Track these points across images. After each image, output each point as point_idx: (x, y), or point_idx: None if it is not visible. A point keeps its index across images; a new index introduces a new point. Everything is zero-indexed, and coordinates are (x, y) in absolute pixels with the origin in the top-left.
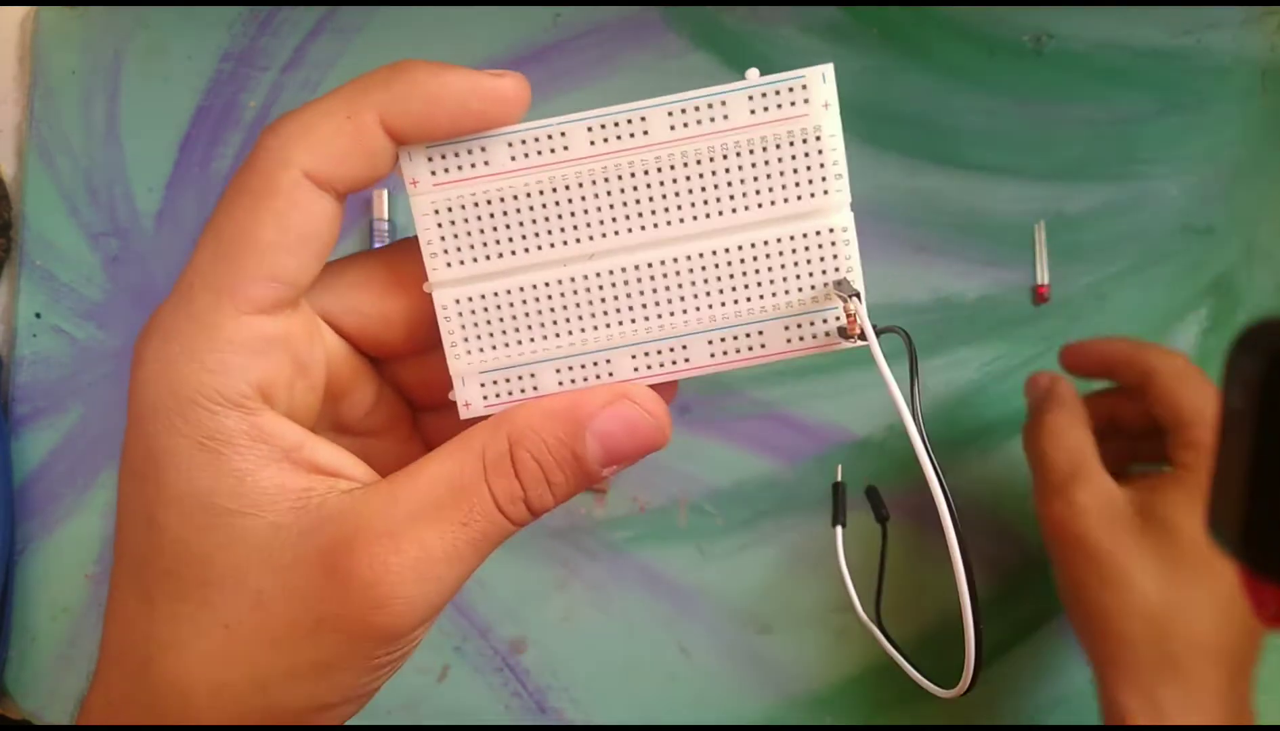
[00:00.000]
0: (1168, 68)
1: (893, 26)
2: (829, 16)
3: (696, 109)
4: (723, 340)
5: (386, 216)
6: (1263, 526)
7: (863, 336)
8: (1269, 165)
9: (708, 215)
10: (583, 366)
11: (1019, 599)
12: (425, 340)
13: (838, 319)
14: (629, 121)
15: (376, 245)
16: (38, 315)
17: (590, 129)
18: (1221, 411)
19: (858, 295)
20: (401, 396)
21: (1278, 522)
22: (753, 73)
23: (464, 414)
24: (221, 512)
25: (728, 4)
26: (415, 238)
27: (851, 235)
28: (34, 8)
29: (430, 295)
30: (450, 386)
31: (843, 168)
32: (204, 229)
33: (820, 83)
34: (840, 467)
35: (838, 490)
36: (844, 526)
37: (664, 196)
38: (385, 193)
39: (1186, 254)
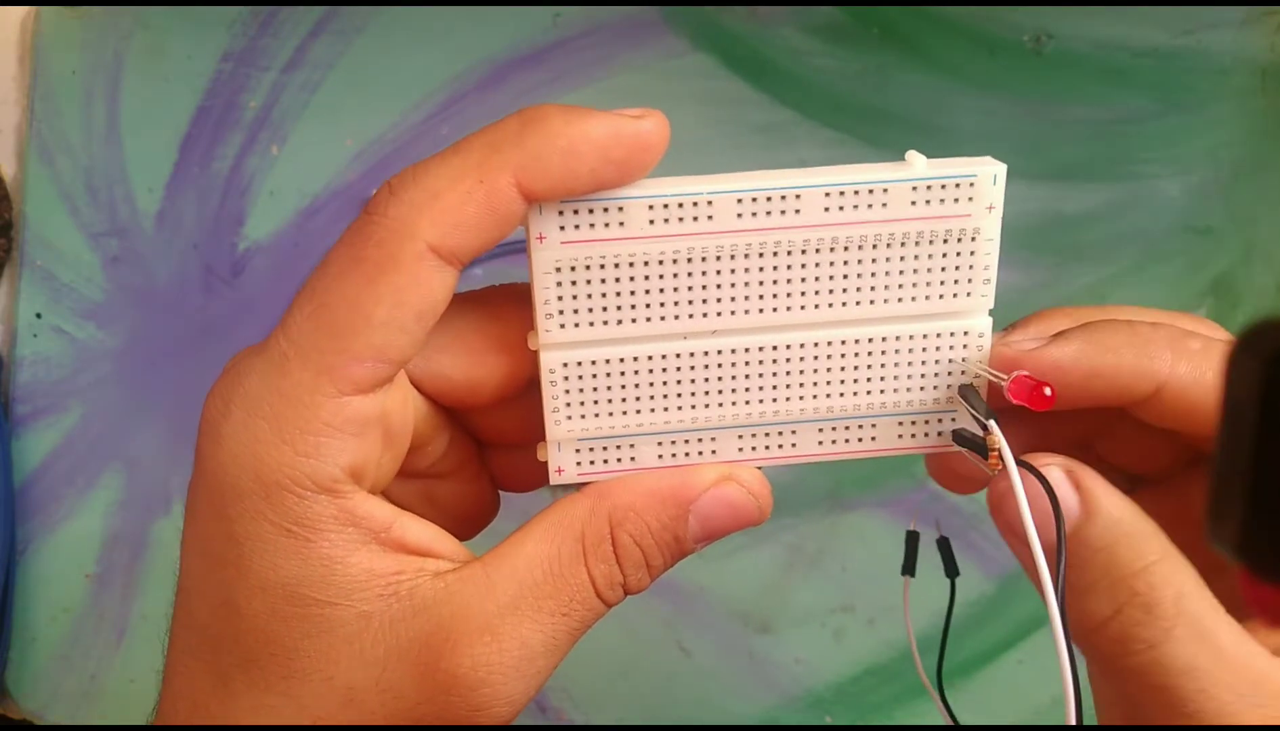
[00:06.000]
0: (1168, 68)
1: (893, 26)
2: (829, 16)
3: (856, 193)
4: (834, 430)
5: None
6: (1263, 526)
7: (989, 462)
8: (1269, 165)
9: (844, 304)
10: (686, 442)
11: (1019, 599)
12: (511, 396)
13: (954, 421)
14: (783, 198)
15: None
16: (38, 315)
17: (740, 201)
18: (1221, 411)
19: (995, 418)
20: (468, 434)
21: (1278, 523)
22: (916, 157)
23: (555, 480)
24: (309, 603)
25: (728, 4)
26: (505, 289)
27: (988, 341)
28: (34, 8)
29: (531, 354)
30: (537, 442)
31: (993, 273)
32: (302, 291)
33: (990, 184)
34: (915, 516)
35: (911, 538)
36: (913, 576)
37: (803, 279)
38: None
39: (1186, 254)
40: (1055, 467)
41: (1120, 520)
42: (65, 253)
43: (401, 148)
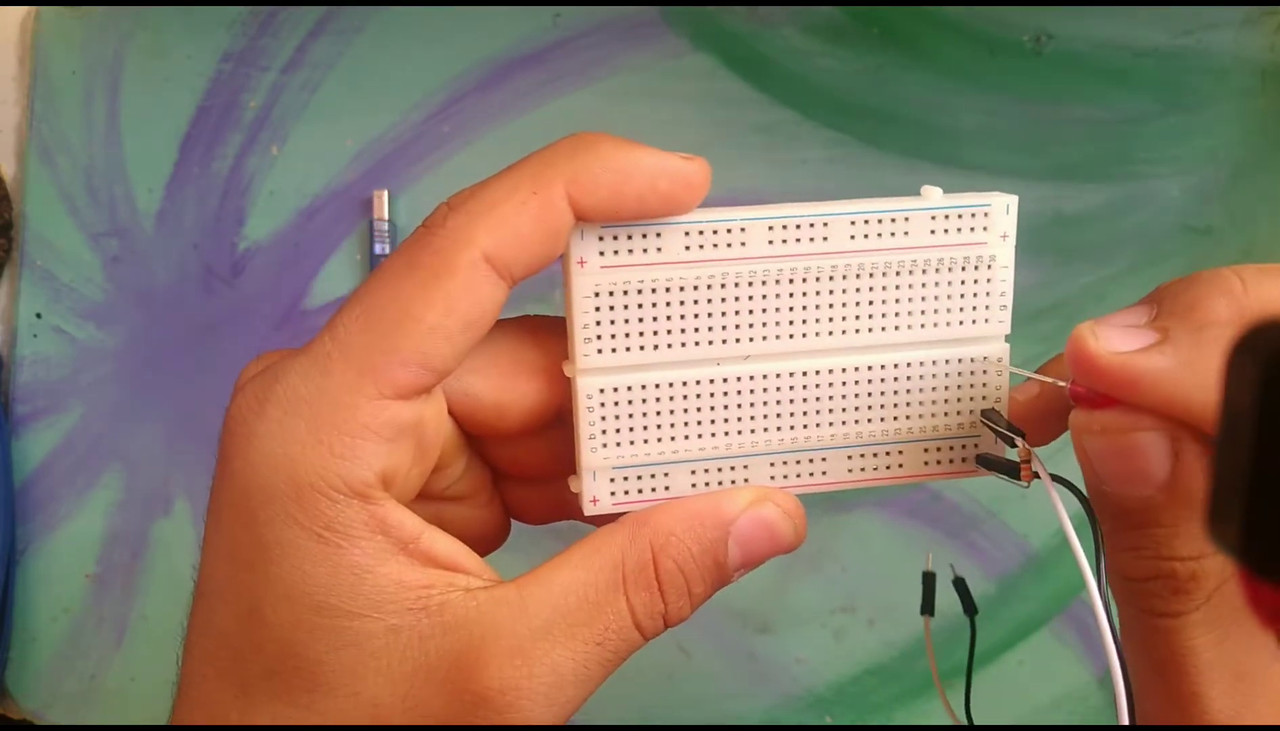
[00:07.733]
0: (1168, 68)
1: (893, 26)
2: (829, 16)
3: (880, 222)
4: (862, 457)
5: (387, 217)
6: (1263, 527)
7: (1020, 477)
8: (1269, 165)
9: (870, 330)
10: (719, 470)
11: (1019, 599)
12: (534, 428)
13: (977, 446)
14: (811, 225)
15: (377, 247)
16: (38, 315)
17: (771, 228)
18: (1221, 412)
19: (1022, 435)
20: (482, 461)
21: (1278, 523)
22: (933, 191)
23: (589, 511)
24: (336, 614)
25: (728, 4)
26: (537, 319)
27: (1006, 366)
28: (34, 8)
29: (559, 385)
30: (552, 479)
31: (1009, 299)
32: (352, 297)
33: (1003, 213)
34: (930, 555)
35: (927, 579)
36: (932, 615)
37: (830, 305)
38: (386, 193)
39: (1186, 254)
40: (1158, 433)
41: (1199, 507)
42: (65, 253)
43: (401, 148)
